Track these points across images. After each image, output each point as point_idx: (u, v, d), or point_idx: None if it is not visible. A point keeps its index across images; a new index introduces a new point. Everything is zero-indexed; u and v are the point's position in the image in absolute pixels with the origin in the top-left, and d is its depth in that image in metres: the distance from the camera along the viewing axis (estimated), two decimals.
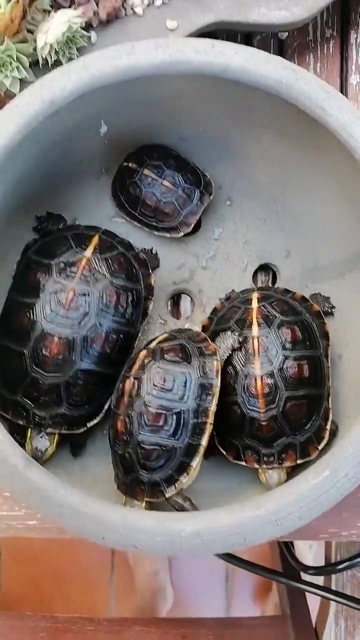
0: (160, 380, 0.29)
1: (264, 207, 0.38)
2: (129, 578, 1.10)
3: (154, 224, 0.35)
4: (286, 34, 0.40)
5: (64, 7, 0.35)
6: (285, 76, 0.27)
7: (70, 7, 0.35)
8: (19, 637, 0.54)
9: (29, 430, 0.32)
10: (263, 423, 0.30)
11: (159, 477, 0.29)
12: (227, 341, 0.32)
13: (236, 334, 0.32)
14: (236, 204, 0.38)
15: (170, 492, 0.29)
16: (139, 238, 0.37)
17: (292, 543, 0.62)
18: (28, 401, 0.31)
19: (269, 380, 0.31)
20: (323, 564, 0.54)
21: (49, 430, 0.31)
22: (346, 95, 0.40)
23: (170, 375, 0.29)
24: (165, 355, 0.30)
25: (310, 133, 0.31)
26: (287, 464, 0.31)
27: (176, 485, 0.29)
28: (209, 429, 0.30)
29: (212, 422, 0.30)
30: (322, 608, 0.53)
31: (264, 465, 0.31)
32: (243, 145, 0.36)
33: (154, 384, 0.29)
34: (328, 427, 0.31)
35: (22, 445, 0.31)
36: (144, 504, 0.30)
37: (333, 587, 0.51)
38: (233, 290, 0.36)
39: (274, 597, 0.92)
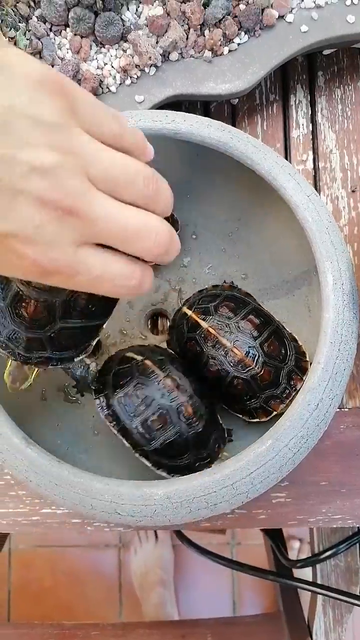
0: None
1: (223, 240, 0.45)
2: (137, 611, 1.11)
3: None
4: (237, 100, 0.49)
5: None
6: (222, 136, 0.35)
7: None
8: None
9: (9, 360, 0.34)
10: (266, 374, 0.38)
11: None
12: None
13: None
14: (200, 238, 0.46)
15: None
16: None
17: (283, 544, 0.66)
18: (13, 344, 0.31)
19: (244, 349, 0.38)
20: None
21: (39, 367, 0.33)
22: (289, 146, 0.49)
23: None
24: None
25: (254, 177, 0.39)
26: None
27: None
28: None
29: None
30: (312, 601, 0.57)
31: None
32: (202, 189, 0.44)
33: None
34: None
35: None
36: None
37: (318, 578, 0.55)
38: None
39: None
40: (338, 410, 0.45)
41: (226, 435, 0.39)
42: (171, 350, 0.42)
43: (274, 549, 0.66)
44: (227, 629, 0.59)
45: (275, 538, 0.68)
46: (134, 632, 0.59)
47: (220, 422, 0.39)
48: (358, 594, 0.52)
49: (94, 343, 0.33)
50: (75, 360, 0.33)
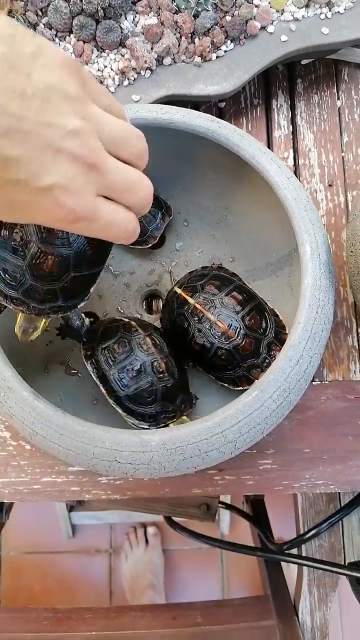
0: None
1: (212, 226, 0.49)
2: None
3: None
4: (224, 103, 0.54)
5: None
6: (210, 125, 0.39)
7: None
8: (23, 627, 0.59)
9: (20, 314, 0.37)
10: (247, 344, 0.41)
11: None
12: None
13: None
14: (191, 224, 0.50)
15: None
16: (116, 251, 0.49)
17: (270, 531, 0.69)
18: (28, 299, 0.35)
19: (227, 322, 0.41)
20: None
21: (49, 317, 0.36)
22: (271, 145, 0.53)
23: None
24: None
25: (239, 169, 0.43)
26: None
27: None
28: None
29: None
30: (297, 581, 0.59)
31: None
32: (193, 181, 0.48)
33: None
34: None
35: None
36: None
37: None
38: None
39: None
40: (319, 382, 0.48)
41: (193, 400, 0.43)
42: (162, 327, 0.46)
43: (261, 536, 0.69)
44: (217, 610, 0.60)
45: (262, 525, 0.70)
46: (126, 615, 0.61)
47: (189, 389, 0.44)
48: (342, 564, 0.54)
49: (93, 289, 0.37)
50: (79, 306, 0.36)
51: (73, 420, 0.35)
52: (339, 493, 0.57)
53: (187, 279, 0.46)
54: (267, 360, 0.42)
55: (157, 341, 0.41)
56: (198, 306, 0.42)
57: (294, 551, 0.59)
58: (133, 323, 0.41)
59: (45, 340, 0.47)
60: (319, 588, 0.58)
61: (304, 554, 0.57)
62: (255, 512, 0.76)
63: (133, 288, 0.49)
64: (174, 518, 0.68)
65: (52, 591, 1.13)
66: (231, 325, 0.41)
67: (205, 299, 0.42)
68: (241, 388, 0.43)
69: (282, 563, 0.70)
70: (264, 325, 0.42)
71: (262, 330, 0.42)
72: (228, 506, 0.73)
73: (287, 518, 0.74)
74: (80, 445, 0.35)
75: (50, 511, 1.11)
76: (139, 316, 0.48)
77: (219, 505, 0.70)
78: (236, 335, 0.41)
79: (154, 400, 0.40)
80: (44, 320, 0.38)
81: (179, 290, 0.44)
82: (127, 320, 0.42)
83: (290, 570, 0.69)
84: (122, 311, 0.48)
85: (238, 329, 0.41)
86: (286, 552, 0.58)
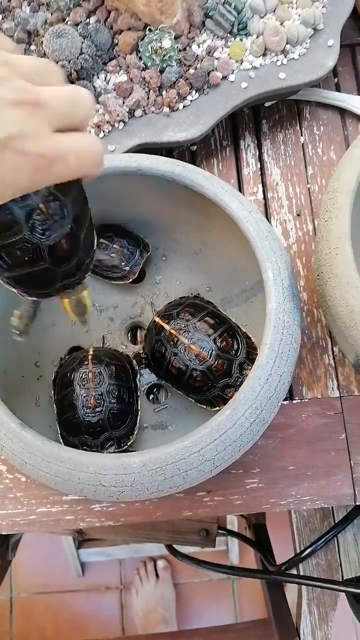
0: None
1: (189, 259, 0.52)
2: None
3: (110, 274, 0.50)
4: (195, 146, 0.58)
5: None
6: (176, 169, 0.43)
7: None
8: None
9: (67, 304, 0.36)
10: (220, 365, 0.44)
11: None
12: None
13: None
14: (169, 259, 0.53)
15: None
16: (100, 287, 0.52)
17: (271, 554, 0.69)
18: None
19: (199, 345, 0.44)
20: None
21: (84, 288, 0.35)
22: (241, 182, 0.57)
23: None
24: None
25: (209, 206, 0.46)
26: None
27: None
28: None
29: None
30: (297, 602, 0.59)
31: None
32: (168, 218, 0.52)
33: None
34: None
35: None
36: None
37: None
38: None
39: None
40: (299, 401, 0.50)
41: (122, 439, 0.46)
42: (145, 355, 0.49)
43: (262, 558, 0.69)
44: (221, 635, 0.61)
45: (263, 549, 0.71)
46: None
47: (132, 425, 0.46)
48: (340, 580, 0.55)
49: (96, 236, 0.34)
50: (94, 257, 0.34)
51: (58, 447, 0.37)
52: (333, 510, 0.58)
53: (165, 308, 0.49)
54: (240, 380, 0.44)
55: (102, 375, 0.44)
56: (173, 331, 0.45)
57: (294, 572, 0.59)
58: (90, 355, 0.45)
59: (37, 374, 0.50)
60: (318, 607, 0.58)
61: (301, 574, 0.58)
62: (257, 536, 0.76)
63: (117, 321, 0.52)
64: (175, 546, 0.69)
65: (64, 632, 1.12)
66: (204, 347, 0.44)
67: (179, 324, 0.45)
68: (218, 408, 0.45)
69: (285, 586, 0.71)
70: (235, 346, 0.45)
71: (233, 352, 0.45)
72: (229, 532, 0.74)
73: (290, 542, 0.75)
74: (66, 471, 0.37)
75: (58, 549, 1.11)
76: (124, 347, 0.51)
77: (219, 531, 0.71)
78: (209, 357, 0.44)
79: (76, 433, 0.44)
80: (86, 292, 0.36)
81: (157, 319, 0.47)
82: (85, 354, 0.46)
83: (292, 592, 0.70)
84: (107, 343, 0.51)
85: (211, 351, 0.44)
86: (285, 572, 0.59)
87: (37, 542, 1.14)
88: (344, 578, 0.56)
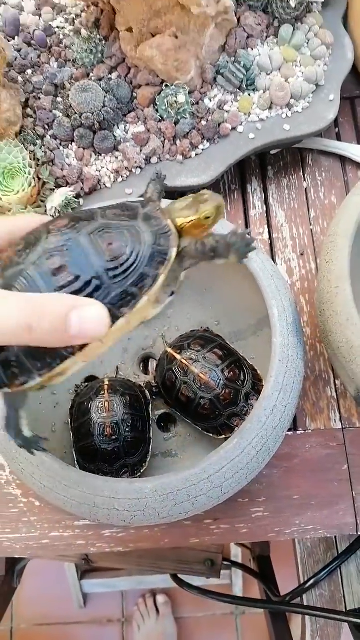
0: None
1: (199, 295, 0.56)
2: None
3: None
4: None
5: (62, 187, 0.57)
6: None
7: (66, 186, 0.57)
8: None
9: None
10: (227, 394, 0.46)
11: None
12: None
13: None
14: (180, 294, 0.56)
15: None
16: None
17: (275, 586, 0.70)
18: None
19: (208, 375, 0.47)
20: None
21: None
22: (249, 223, 0.61)
23: None
24: None
25: None
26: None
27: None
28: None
29: None
30: (302, 635, 0.60)
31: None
32: None
33: None
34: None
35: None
36: None
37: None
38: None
39: None
40: (303, 432, 0.53)
41: (136, 467, 0.47)
42: (156, 384, 0.51)
43: (266, 590, 0.70)
44: None
45: (267, 581, 0.72)
46: None
47: (145, 454, 0.48)
48: (343, 611, 0.56)
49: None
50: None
51: (76, 472, 0.40)
52: (336, 540, 0.60)
53: (177, 340, 0.52)
54: (245, 409, 0.47)
55: (118, 405, 0.47)
56: (184, 361, 0.48)
57: (297, 603, 0.60)
58: (106, 385, 0.48)
59: (53, 402, 0.52)
60: (322, 639, 0.59)
61: (304, 603, 0.59)
62: (261, 568, 0.77)
63: (131, 352, 0.55)
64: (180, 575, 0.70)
65: None
66: (212, 377, 0.47)
67: (190, 355, 0.48)
68: (224, 436, 0.47)
69: (290, 621, 0.71)
70: (242, 377, 0.48)
71: (240, 382, 0.47)
72: (233, 563, 0.75)
73: (294, 576, 0.75)
74: (82, 495, 0.40)
75: (61, 579, 1.10)
76: (137, 377, 0.54)
77: (223, 562, 0.72)
78: (217, 386, 0.46)
79: (93, 460, 0.46)
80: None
81: (169, 350, 0.50)
82: (101, 384, 0.49)
83: (296, 629, 0.70)
84: (121, 373, 0.54)
85: (218, 380, 0.47)
86: (289, 602, 0.59)
87: (39, 572, 1.14)
88: (348, 609, 0.57)
